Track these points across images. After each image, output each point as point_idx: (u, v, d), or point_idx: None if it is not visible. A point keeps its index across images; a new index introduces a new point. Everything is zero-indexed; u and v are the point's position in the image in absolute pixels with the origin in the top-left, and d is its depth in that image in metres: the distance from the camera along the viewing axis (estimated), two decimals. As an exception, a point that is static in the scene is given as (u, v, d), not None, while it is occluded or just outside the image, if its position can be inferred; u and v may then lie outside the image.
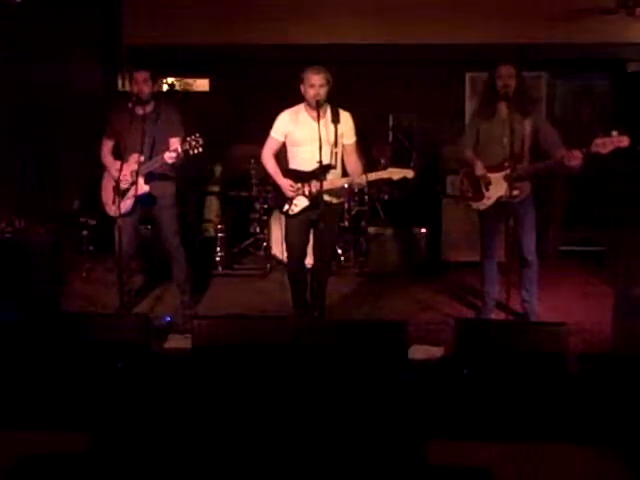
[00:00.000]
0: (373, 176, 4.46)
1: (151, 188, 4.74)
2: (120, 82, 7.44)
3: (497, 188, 4.61)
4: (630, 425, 2.94)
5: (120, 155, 4.77)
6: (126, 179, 4.71)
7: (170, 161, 4.57)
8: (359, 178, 4.43)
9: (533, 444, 2.85)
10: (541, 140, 4.57)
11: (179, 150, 4.55)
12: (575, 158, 4.26)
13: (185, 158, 4.61)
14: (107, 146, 4.92)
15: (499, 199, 4.63)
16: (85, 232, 6.20)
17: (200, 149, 4.55)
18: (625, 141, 4.16)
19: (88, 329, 3.57)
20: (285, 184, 4.51)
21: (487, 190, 4.67)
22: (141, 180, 4.68)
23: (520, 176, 4.48)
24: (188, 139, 4.55)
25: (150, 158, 4.69)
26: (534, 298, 4.82)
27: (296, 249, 4.66)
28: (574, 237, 7.09)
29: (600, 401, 3.19)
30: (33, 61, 6.01)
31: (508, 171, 4.45)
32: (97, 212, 5.51)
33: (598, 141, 4.16)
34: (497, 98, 4.59)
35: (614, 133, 4.16)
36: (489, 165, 4.65)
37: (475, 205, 4.79)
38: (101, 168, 4.98)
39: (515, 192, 4.45)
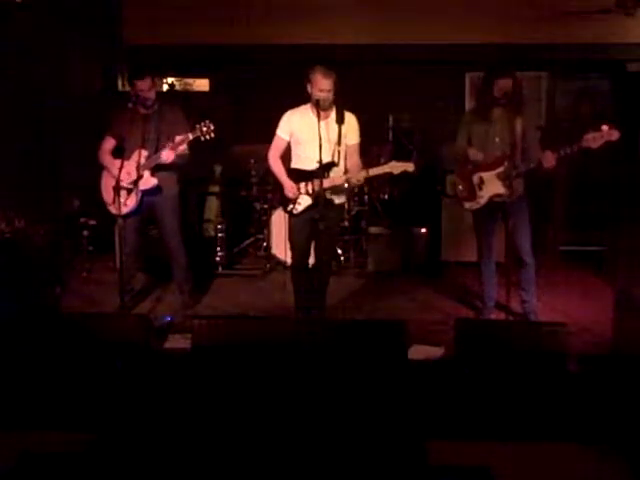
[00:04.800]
0: (374, 171, 4.47)
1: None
2: (120, 82, 7.44)
3: (490, 187, 4.65)
4: (630, 425, 2.95)
5: (120, 155, 4.76)
6: (130, 176, 4.69)
7: (182, 148, 4.60)
8: (359, 173, 4.44)
9: (533, 444, 2.85)
10: (524, 141, 4.62)
11: (190, 138, 4.56)
12: (548, 160, 4.34)
13: (195, 143, 4.60)
14: (107, 144, 4.91)
15: (492, 198, 4.66)
16: (85, 232, 6.20)
17: (212, 134, 4.56)
18: (615, 135, 4.18)
19: (88, 329, 3.57)
20: (287, 185, 4.52)
21: (480, 189, 4.70)
22: (147, 174, 4.67)
23: (512, 175, 4.52)
24: (198, 126, 4.56)
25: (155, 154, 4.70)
26: (533, 298, 4.83)
27: (299, 248, 4.66)
28: (574, 237, 7.09)
29: (600, 401, 3.19)
30: (33, 61, 6.01)
31: (501, 169, 4.52)
32: (97, 212, 5.51)
33: (588, 136, 4.20)
34: (493, 103, 4.63)
35: (604, 127, 4.18)
36: (482, 164, 4.68)
37: (468, 205, 4.82)
38: (101, 168, 4.97)
39: (509, 192, 4.49)
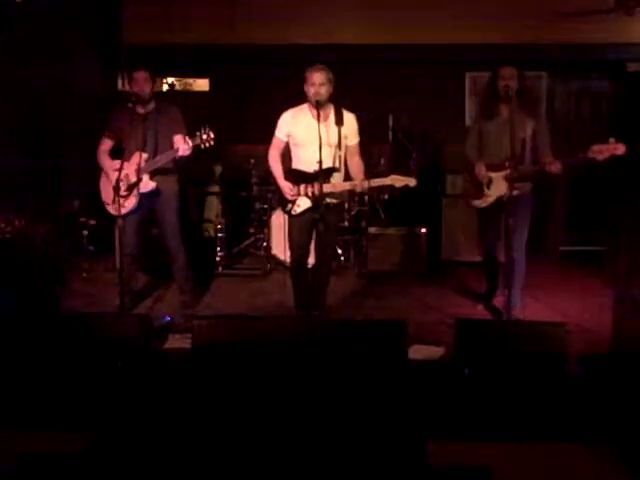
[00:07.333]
0: (376, 182, 4.48)
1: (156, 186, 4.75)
2: (120, 82, 7.44)
3: (498, 187, 4.65)
4: (630, 425, 2.95)
5: (119, 155, 4.76)
6: (129, 178, 4.69)
7: (184, 154, 4.57)
8: (362, 183, 4.44)
9: (533, 444, 2.85)
10: (534, 143, 4.64)
11: (190, 144, 4.55)
12: (555, 166, 4.39)
13: (194, 150, 4.60)
14: (105, 146, 4.91)
15: (499, 198, 4.66)
16: (85, 232, 6.19)
17: (212, 142, 4.55)
18: (621, 149, 4.18)
19: (88, 329, 3.58)
20: (285, 187, 4.51)
21: (488, 189, 4.72)
22: (146, 177, 4.67)
23: (519, 177, 4.51)
24: (198, 133, 4.55)
25: (154, 156, 4.69)
26: (516, 299, 4.77)
27: (299, 249, 4.66)
28: (574, 237, 7.09)
29: (600, 401, 3.19)
30: (33, 61, 6.01)
31: (508, 171, 4.49)
32: (97, 212, 5.51)
33: (595, 147, 4.21)
34: (498, 99, 4.64)
35: (611, 140, 4.19)
36: (490, 164, 4.69)
37: (475, 203, 4.84)
38: (100, 168, 4.97)
39: (515, 192, 4.47)
